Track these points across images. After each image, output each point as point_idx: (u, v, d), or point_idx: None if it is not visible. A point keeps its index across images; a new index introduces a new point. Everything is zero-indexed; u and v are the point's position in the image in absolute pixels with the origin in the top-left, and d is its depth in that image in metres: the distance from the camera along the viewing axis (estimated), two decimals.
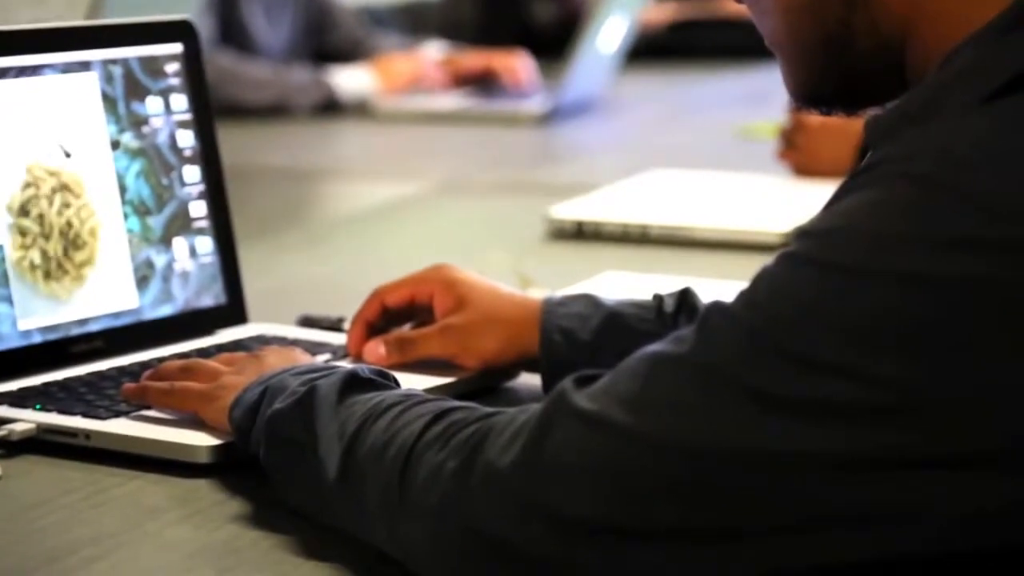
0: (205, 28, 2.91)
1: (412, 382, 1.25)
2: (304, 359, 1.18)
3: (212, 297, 1.42)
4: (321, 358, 1.31)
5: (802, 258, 0.84)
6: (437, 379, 1.28)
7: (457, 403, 0.97)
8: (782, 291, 0.84)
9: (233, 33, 3.17)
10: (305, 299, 1.54)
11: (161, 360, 1.31)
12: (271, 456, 1.04)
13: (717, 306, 0.86)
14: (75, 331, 1.31)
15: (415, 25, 4.05)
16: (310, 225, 2.26)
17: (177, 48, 1.43)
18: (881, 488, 0.80)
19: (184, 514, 1.06)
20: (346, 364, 1.15)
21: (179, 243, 1.41)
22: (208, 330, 1.41)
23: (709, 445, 0.82)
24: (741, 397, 0.82)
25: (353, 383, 1.03)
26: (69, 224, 1.32)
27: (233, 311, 1.44)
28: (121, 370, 1.28)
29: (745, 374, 0.82)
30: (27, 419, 1.16)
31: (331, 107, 3.07)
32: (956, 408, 0.79)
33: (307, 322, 1.44)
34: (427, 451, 0.92)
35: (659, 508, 0.83)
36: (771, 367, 0.82)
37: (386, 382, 1.05)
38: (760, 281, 0.85)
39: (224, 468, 1.12)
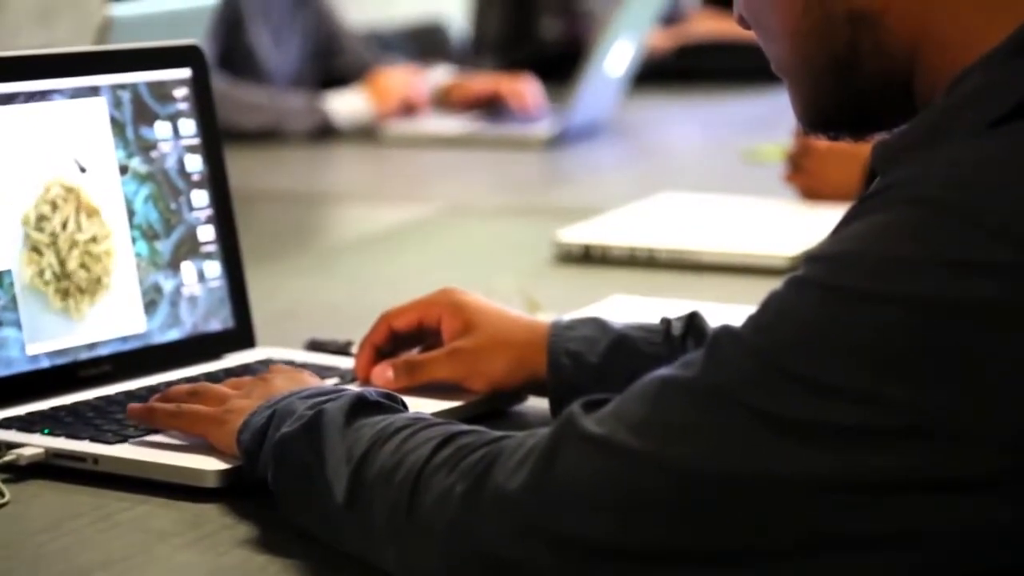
0: (209, 52, 2.92)
1: (420, 406, 1.26)
2: (312, 382, 1.18)
3: (220, 321, 1.43)
4: (330, 382, 1.31)
5: (810, 282, 0.85)
6: (445, 403, 1.28)
7: (466, 427, 0.97)
8: (790, 315, 0.84)
9: (240, 57, 3.18)
10: (312, 323, 1.54)
11: (169, 384, 1.31)
12: (279, 479, 1.04)
13: (726, 330, 0.86)
14: (83, 355, 1.32)
15: (424, 49, 4.05)
16: (317, 249, 2.26)
17: (185, 73, 1.44)
18: (887, 511, 0.81)
19: (193, 538, 1.06)
20: (354, 388, 1.15)
21: (187, 267, 1.41)
22: (216, 354, 1.41)
23: (716, 468, 0.83)
24: (749, 420, 0.83)
25: (360, 406, 1.03)
26: (77, 244, 1.33)
27: (241, 335, 1.44)
28: (129, 394, 1.29)
29: (753, 397, 0.83)
30: (35, 444, 1.16)
31: (327, 132, 3.08)
32: (962, 432, 0.80)
33: (315, 346, 1.44)
34: (436, 474, 0.92)
35: (665, 532, 0.84)
36: (778, 390, 0.82)
37: (394, 405, 1.06)
38: (768, 305, 0.86)
39: (232, 492, 1.12)
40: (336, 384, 1.32)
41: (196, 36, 2.09)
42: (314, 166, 2.96)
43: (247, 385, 1.18)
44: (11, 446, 1.16)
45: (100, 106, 1.37)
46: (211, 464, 1.12)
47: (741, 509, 0.83)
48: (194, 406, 1.16)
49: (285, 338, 1.46)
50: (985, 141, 0.84)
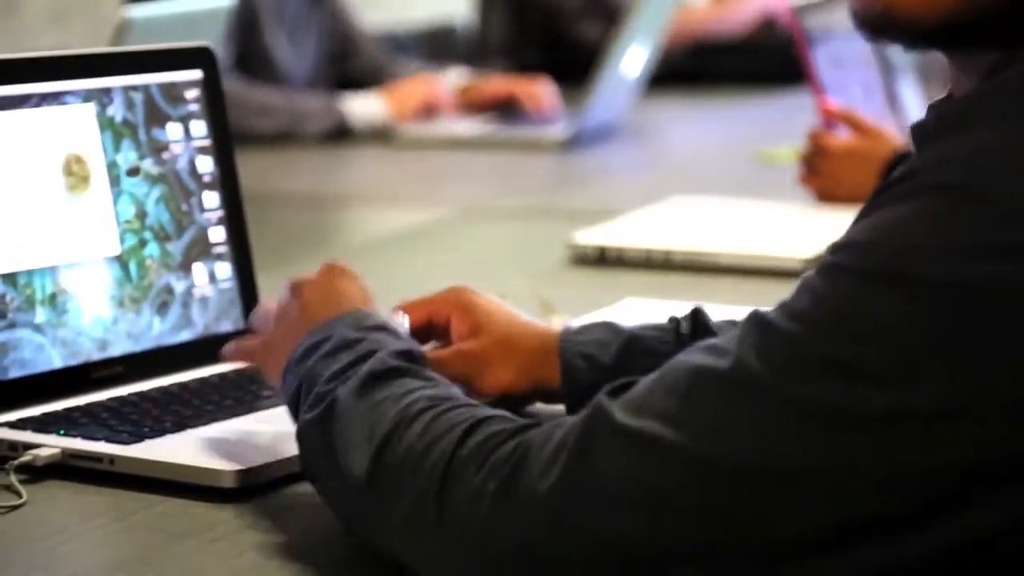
0: (224, 54, 2.94)
1: None
2: (349, 292, 1.20)
3: (231, 322, 1.45)
4: None
5: (842, 268, 0.87)
6: None
7: (490, 411, 0.98)
8: (822, 302, 0.86)
9: (256, 60, 3.21)
10: None
11: (181, 386, 1.34)
12: (304, 460, 1.06)
13: (758, 317, 0.88)
14: (96, 356, 1.34)
15: (438, 51, 4.07)
16: (331, 251, 2.28)
17: (196, 74, 1.46)
18: (928, 496, 0.83)
19: (208, 539, 1.09)
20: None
21: (198, 268, 1.44)
22: None
23: (755, 460, 0.85)
24: (786, 410, 0.85)
25: (374, 379, 1.04)
26: None
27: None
28: (142, 395, 1.31)
29: (789, 386, 0.85)
30: (51, 444, 1.19)
31: (343, 134, 3.10)
32: (997, 415, 0.82)
33: None
34: (466, 469, 0.93)
35: (703, 527, 0.86)
36: (814, 378, 0.84)
37: (411, 365, 1.06)
38: (800, 292, 0.88)
39: (249, 493, 1.15)
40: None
41: (212, 38, 2.12)
42: (330, 168, 2.98)
43: (285, 316, 1.19)
44: (27, 447, 1.19)
45: (113, 107, 1.39)
46: (227, 465, 1.15)
47: (781, 501, 0.84)
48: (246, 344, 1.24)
49: None
50: (1010, 126, 0.86)
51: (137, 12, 1.89)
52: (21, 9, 3.99)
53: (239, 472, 1.14)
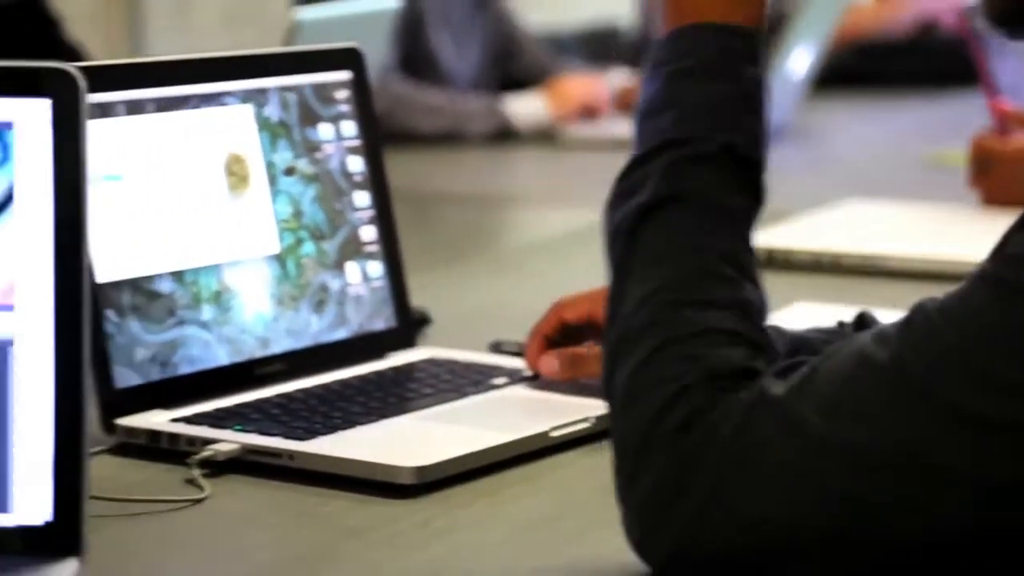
0: (390, 55, 2.97)
1: (581, 404, 1.30)
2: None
3: (383, 321, 1.47)
4: (498, 381, 1.37)
5: (997, 280, 0.88)
6: None
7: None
8: (976, 311, 0.88)
9: (420, 60, 3.23)
10: (492, 325, 1.58)
11: (341, 383, 1.36)
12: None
13: (922, 311, 0.90)
14: (259, 353, 1.37)
15: (601, 52, 4.07)
16: (496, 251, 2.30)
17: (346, 75, 1.49)
18: None
19: (385, 536, 1.10)
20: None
21: (351, 267, 1.46)
22: (380, 353, 1.46)
23: (898, 455, 0.86)
24: (932, 409, 0.86)
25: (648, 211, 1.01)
26: None
27: (402, 335, 1.48)
28: (307, 392, 1.33)
29: (941, 387, 0.86)
30: (230, 440, 1.21)
31: (506, 134, 3.11)
32: None
33: (497, 347, 1.48)
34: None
35: (838, 514, 0.87)
36: (964, 383, 0.86)
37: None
38: (962, 295, 0.89)
39: (427, 489, 1.16)
40: (504, 383, 1.37)
41: (378, 39, 2.15)
42: (493, 169, 3.00)
43: None
44: (206, 442, 1.21)
45: (269, 108, 1.41)
46: (406, 460, 1.16)
47: (921, 498, 0.86)
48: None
49: (464, 340, 1.50)
50: None
51: (306, 14, 1.91)
52: (193, 12, 4.05)
53: (417, 469, 1.16)
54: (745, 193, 1.01)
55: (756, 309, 0.98)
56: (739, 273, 0.98)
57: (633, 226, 1.00)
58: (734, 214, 1.00)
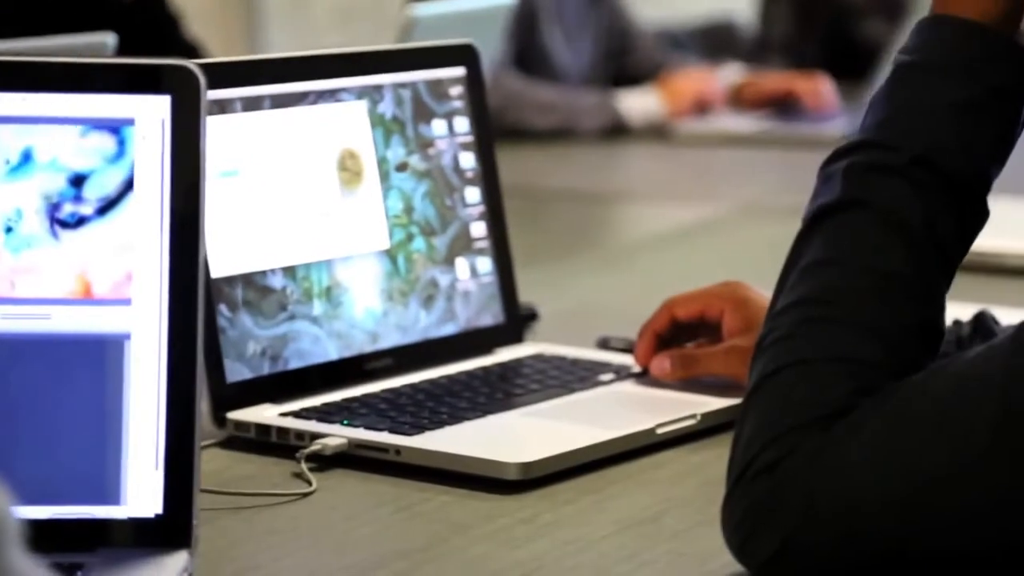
0: (504, 51, 2.98)
1: (694, 401, 1.30)
2: None
3: (491, 316, 1.48)
4: (605, 377, 1.37)
5: None
6: (722, 400, 1.31)
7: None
8: None
9: (533, 56, 3.25)
10: (602, 321, 1.58)
11: (449, 378, 1.38)
12: None
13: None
14: (368, 348, 1.38)
15: (715, 47, 4.06)
16: (608, 247, 2.30)
17: (460, 71, 1.50)
18: None
19: (489, 531, 1.11)
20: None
21: (461, 263, 1.47)
22: (487, 349, 1.46)
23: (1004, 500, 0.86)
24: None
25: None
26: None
27: (510, 330, 1.49)
28: (415, 387, 1.35)
29: None
30: (338, 434, 1.23)
31: (619, 130, 3.12)
32: None
33: (605, 344, 1.49)
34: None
35: (948, 529, 0.88)
36: None
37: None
38: None
39: (532, 485, 1.17)
40: (611, 379, 1.37)
41: (492, 35, 2.16)
42: (605, 164, 3.01)
43: None
44: (314, 436, 1.22)
45: (384, 104, 1.43)
46: (512, 456, 1.17)
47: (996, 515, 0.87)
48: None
49: (574, 336, 1.50)
50: None
51: (422, 10, 1.93)
52: (308, 9, 4.09)
53: (523, 464, 1.16)
54: (935, 209, 0.96)
55: (912, 333, 0.95)
56: (903, 292, 0.94)
57: (808, 226, 0.98)
58: (909, 230, 0.95)
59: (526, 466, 1.17)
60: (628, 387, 1.37)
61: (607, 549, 1.08)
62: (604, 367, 1.41)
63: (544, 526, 1.12)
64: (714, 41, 4.17)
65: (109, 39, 1.51)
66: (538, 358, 1.44)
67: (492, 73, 1.98)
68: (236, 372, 1.29)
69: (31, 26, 1.74)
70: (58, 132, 1.01)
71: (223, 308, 1.29)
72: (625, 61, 3.46)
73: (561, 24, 3.32)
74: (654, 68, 3.37)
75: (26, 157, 1.01)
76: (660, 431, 1.26)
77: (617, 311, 1.66)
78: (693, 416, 1.28)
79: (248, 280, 1.31)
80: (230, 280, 1.30)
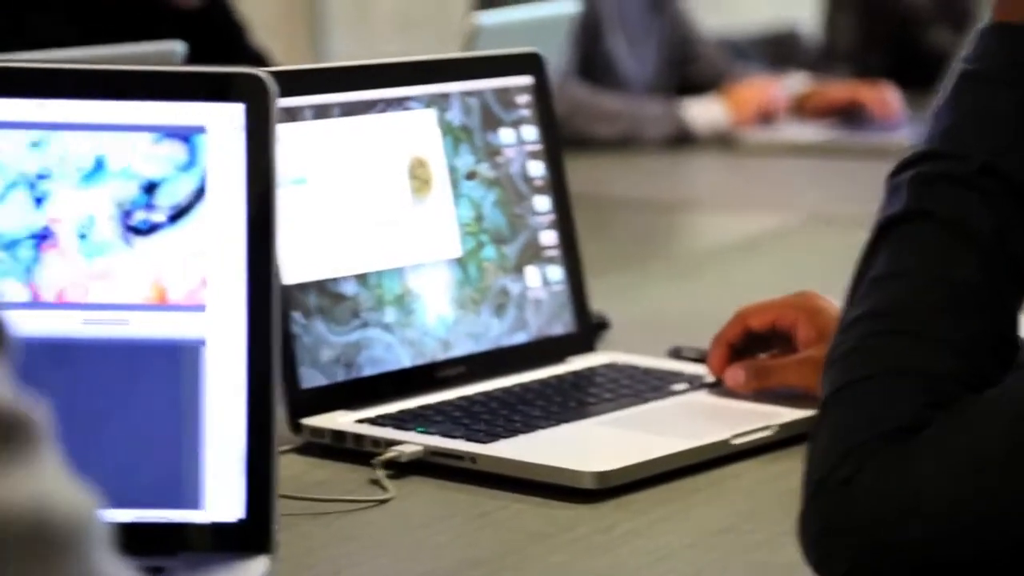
0: (568, 59, 2.98)
1: (769, 412, 1.29)
2: None
3: (562, 325, 1.47)
4: (678, 387, 1.36)
5: None
6: (796, 411, 1.30)
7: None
8: None
9: (597, 65, 3.24)
10: (671, 330, 1.58)
11: (522, 387, 1.37)
12: None
13: None
14: (440, 356, 1.37)
15: (778, 56, 4.05)
16: (675, 256, 2.29)
17: (528, 80, 1.49)
18: None
19: (565, 541, 1.10)
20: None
21: (531, 271, 1.46)
22: (559, 358, 1.46)
23: None
24: None
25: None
26: None
27: (581, 339, 1.48)
28: (488, 395, 1.34)
29: None
30: (413, 441, 1.22)
31: (684, 139, 3.11)
32: None
33: (676, 353, 1.48)
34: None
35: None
36: None
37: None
38: None
39: (607, 495, 1.16)
40: (685, 389, 1.36)
41: (557, 43, 2.15)
42: (671, 173, 3.00)
43: None
44: (390, 443, 1.22)
45: (452, 113, 1.42)
46: (587, 466, 1.16)
47: None
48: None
49: (645, 345, 1.49)
50: None
51: (485, 19, 1.93)
52: (372, 16, 4.11)
53: (599, 474, 1.15)
54: (1004, 217, 0.93)
55: (985, 344, 0.92)
56: (974, 303, 0.92)
57: (876, 237, 0.97)
58: (978, 239, 0.93)
59: (602, 475, 1.15)
60: (702, 397, 1.36)
61: (687, 559, 1.06)
62: (677, 377, 1.40)
63: (622, 535, 1.10)
64: (777, 50, 4.16)
65: (179, 47, 1.51)
66: (610, 367, 1.43)
67: (556, 81, 1.97)
68: (311, 378, 1.28)
69: (98, 35, 1.74)
70: (130, 140, 1.01)
71: (297, 315, 1.28)
72: (688, 70, 3.45)
73: (624, 32, 3.32)
74: (717, 77, 3.36)
75: (99, 164, 1.01)
76: (735, 442, 1.25)
77: (687, 320, 1.65)
78: (768, 427, 1.27)
79: (321, 287, 1.31)
80: (303, 287, 1.30)
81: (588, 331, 1.49)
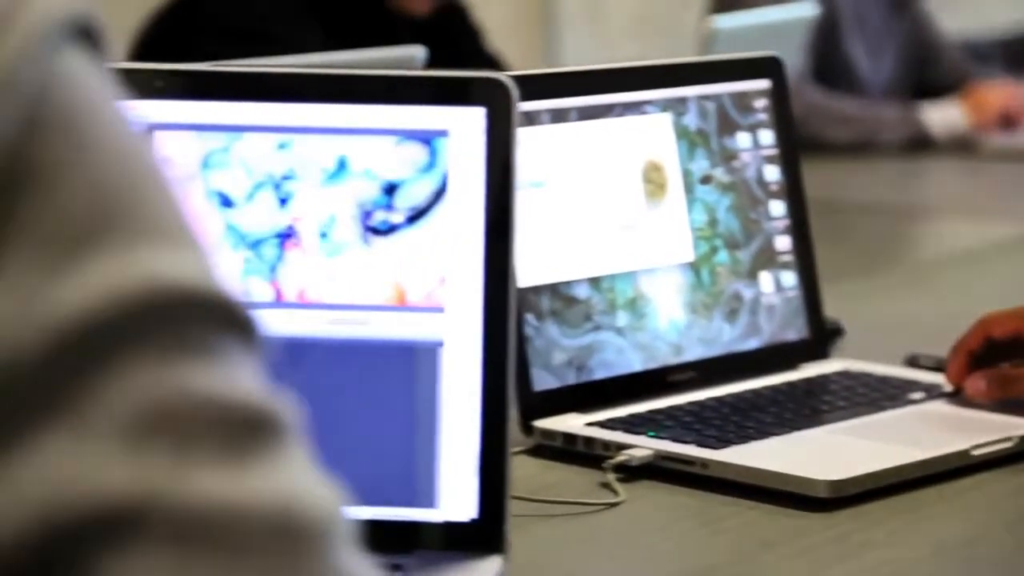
0: (805, 63, 2.95)
1: (1011, 424, 1.26)
2: None
3: (795, 332, 1.46)
4: (916, 396, 1.34)
5: None
6: None
7: None
8: None
9: (834, 68, 3.21)
10: (906, 338, 1.55)
11: (753, 393, 1.36)
12: None
13: None
14: (671, 361, 1.37)
15: (1019, 59, 3.95)
16: (911, 263, 2.25)
17: (765, 84, 1.48)
18: None
19: (797, 549, 1.09)
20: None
21: (765, 277, 1.45)
22: (791, 364, 1.44)
23: None
24: None
25: None
26: None
27: (814, 346, 1.46)
28: (719, 401, 1.33)
29: None
30: (644, 445, 1.22)
31: (921, 144, 3.05)
32: None
33: (913, 361, 1.45)
34: None
35: None
36: None
37: None
38: None
39: (841, 504, 1.14)
40: (922, 398, 1.34)
41: (794, 46, 2.14)
42: (907, 178, 2.95)
43: None
44: (620, 447, 1.22)
45: (688, 117, 1.42)
46: (821, 474, 1.15)
47: None
48: None
49: (880, 352, 1.46)
50: None
51: (723, 23, 1.93)
52: (605, 20, 4.14)
53: (832, 482, 1.14)
54: None
55: None
56: None
57: None
58: None
59: (836, 484, 1.14)
60: (940, 406, 1.33)
61: (924, 572, 1.04)
62: (913, 385, 1.37)
63: (856, 546, 1.09)
64: (1018, 53, 4.05)
65: (419, 52, 1.53)
66: (844, 374, 1.41)
67: (792, 85, 1.96)
68: (542, 381, 1.29)
69: (340, 41, 1.77)
70: (373, 142, 1.03)
71: (530, 318, 1.29)
72: (928, 72, 3.37)
73: (863, 35, 3.26)
74: (959, 80, 3.28)
75: (341, 165, 1.03)
76: (975, 452, 1.22)
77: (924, 328, 1.62)
78: (1009, 438, 1.24)
79: (554, 290, 1.31)
80: (537, 290, 1.30)
81: (822, 338, 1.47)
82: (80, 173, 0.52)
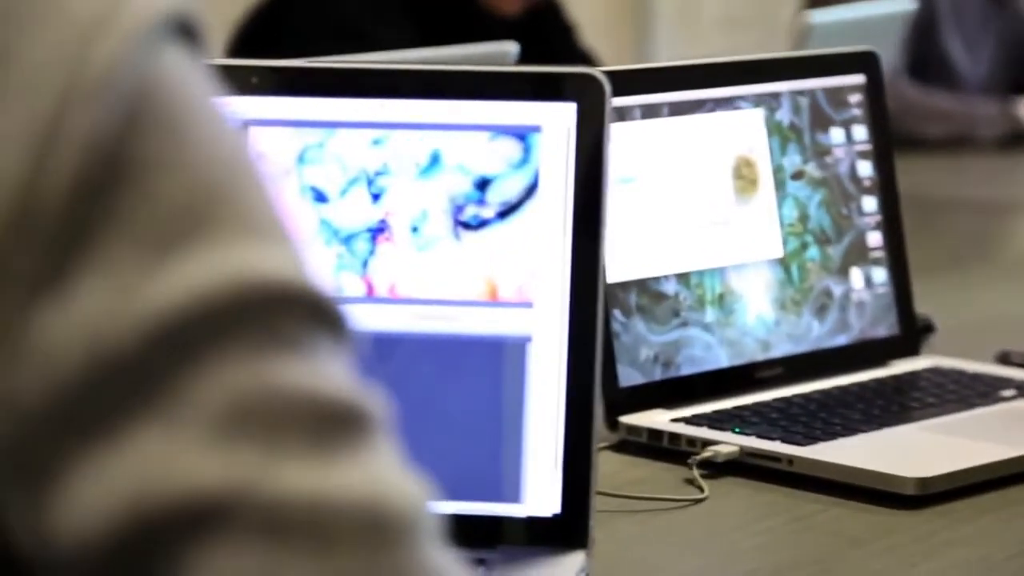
0: (901, 58, 2.93)
1: None
2: None
3: (886, 328, 1.45)
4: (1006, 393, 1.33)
5: None
6: None
7: None
8: None
9: (931, 63, 3.18)
10: (999, 335, 1.54)
11: (842, 389, 1.35)
12: None
13: None
14: (759, 357, 1.37)
15: None
16: (1005, 260, 2.24)
17: (860, 79, 1.47)
18: None
19: (884, 547, 1.08)
20: None
21: (855, 273, 1.44)
22: (881, 361, 1.43)
23: None
24: None
25: None
26: None
27: (905, 343, 1.46)
28: (806, 397, 1.33)
29: None
30: (729, 441, 1.22)
31: (1018, 139, 3.02)
32: None
33: (1004, 358, 1.45)
34: None
35: None
36: None
37: None
38: None
39: (929, 501, 1.14)
40: (1013, 395, 1.33)
41: (890, 41, 2.12)
42: (1004, 175, 2.92)
43: None
44: (705, 443, 1.22)
45: (781, 112, 1.42)
46: (908, 471, 1.14)
47: None
48: None
49: (972, 349, 1.45)
50: None
51: (818, 17, 1.92)
52: (697, 16, 4.13)
53: (920, 480, 1.13)
54: None
55: None
56: None
57: None
58: None
59: (924, 481, 1.14)
60: None
61: (1012, 572, 1.04)
62: (1005, 383, 1.36)
63: (943, 544, 1.08)
64: None
65: (512, 48, 1.53)
66: (935, 371, 1.41)
67: (888, 80, 1.95)
68: (628, 377, 1.29)
69: (434, 38, 1.78)
70: (467, 137, 1.03)
71: (617, 313, 1.30)
72: None
73: (961, 30, 3.23)
74: None
75: (434, 159, 1.04)
76: None
77: (1016, 324, 1.61)
78: None
79: (642, 286, 1.32)
80: (624, 285, 1.31)
81: (913, 334, 1.46)
82: (178, 170, 0.53)
